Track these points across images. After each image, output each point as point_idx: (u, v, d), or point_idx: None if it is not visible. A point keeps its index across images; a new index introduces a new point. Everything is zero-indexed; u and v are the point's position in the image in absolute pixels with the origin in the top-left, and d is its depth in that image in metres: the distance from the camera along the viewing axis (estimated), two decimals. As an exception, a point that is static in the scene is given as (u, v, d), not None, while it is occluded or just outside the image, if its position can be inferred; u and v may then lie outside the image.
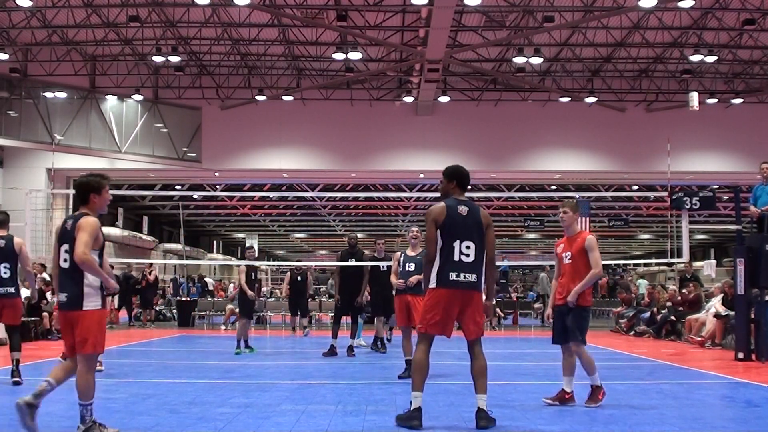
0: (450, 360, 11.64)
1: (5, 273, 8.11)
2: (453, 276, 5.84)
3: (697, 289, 16.36)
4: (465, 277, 5.86)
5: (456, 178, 6.09)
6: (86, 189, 5.45)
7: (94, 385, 5.37)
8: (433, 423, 5.96)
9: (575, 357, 6.94)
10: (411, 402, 5.78)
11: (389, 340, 13.75)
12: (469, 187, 6.20)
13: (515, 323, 21.69)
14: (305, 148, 24.96)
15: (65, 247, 5.32)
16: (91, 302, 5.31)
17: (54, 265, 5.50)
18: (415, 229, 10.12)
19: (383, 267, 12.16)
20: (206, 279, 29.30)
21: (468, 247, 5.88)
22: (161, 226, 48.35)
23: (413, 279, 9.41)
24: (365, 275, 12.21)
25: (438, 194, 6.27)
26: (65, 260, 5.32)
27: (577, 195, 22.93)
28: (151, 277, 21.54)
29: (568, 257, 6.97)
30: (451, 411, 6.57)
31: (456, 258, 5.85)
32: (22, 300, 8.64)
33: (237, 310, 16.65)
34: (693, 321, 14.94)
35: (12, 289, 8.15)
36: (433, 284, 5.90)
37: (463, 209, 5.94)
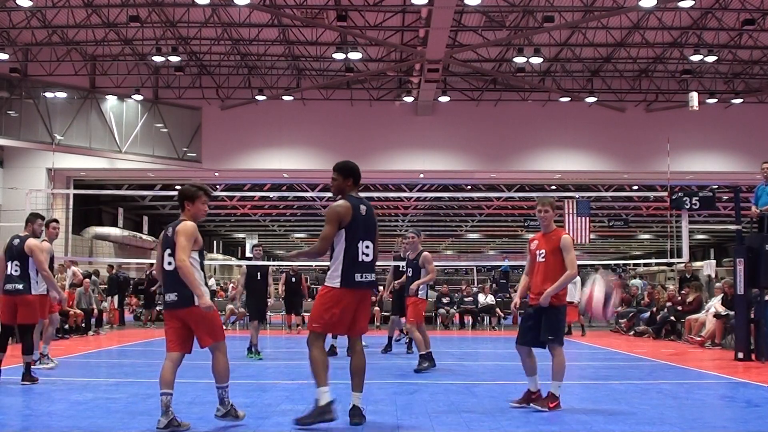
0: (450, 360, 11.65)
1: (15, 271, 8.31)
2: (358, 277, 5.84)
3: (697, 291, 16.30)
4: (366, 277, 5.89)
5: (352, 175, 6.05)
6: (181, 197, 5.92)
7: (229, 367, 5.88)
8: (433, 423, 5.97)
9: (534, 358, 6.73)
10: (317, 399, 5.73)
11: (398, 340, 13.85)
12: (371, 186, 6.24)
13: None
14: (305, 148, 24.97)
15: (168, 251, 5.80)
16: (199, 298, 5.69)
17: (158, 269, 6.03)
18: (410, 235, 10.53)
19: (402, 267, 12.41)
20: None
21: (368, 247, 5.90)
22: (161, 226, 48.25)
23: (413, 286, 10.20)
24: None
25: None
26: (169, 263, 5.78)
27: (577, 195, 22.91)
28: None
29: (542, 255, 6.71)
30: (451, 411, 6.57)
31: (360, 259, 5.85)
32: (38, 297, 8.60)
33: (243, 310, 16.67)
34: (693, 321, 14.93)
35: (20, 286, 8.27)
36: (336, 284, 5.83)
37: (363, 209, 5.93)
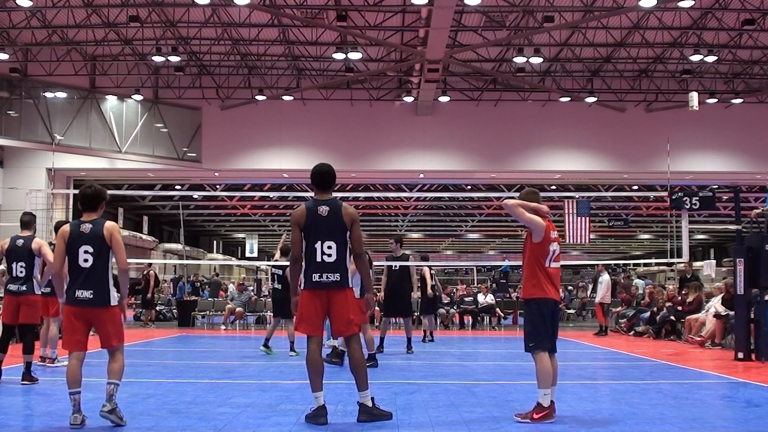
0: (450, 360, 11.67)
1: (21, 272, 8.28)
2: (316, 277, 5.95)
3: (697, 291, 16.30)
4: (327, 277, 5.95)
5: (313, 180, 6.18)
6: (102, 197, 6.02)
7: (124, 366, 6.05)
8: (433, 423, 5.97)
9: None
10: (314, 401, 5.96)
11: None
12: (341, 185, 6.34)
13: (515, 323, 21.70)
14: (305, 148, 24.93)
15: (85, 248, 5.82)
16: (114, 299, 5.93)
17: (58, 267, 5.94)
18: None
19: (395, 266, 12.64)
20: (204, 278, 29.26)
21: (330, 247, 5.95)
22: (161, 226, 48.39)
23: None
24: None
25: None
26: (85, 260, 5.81)
27: (577, 195, 22.90)
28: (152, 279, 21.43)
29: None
30: (451, 411, 6.57)
31: (318, 259, 5.95)
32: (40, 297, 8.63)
33: (242, 310, 16.62)
34: (693, 321, 14.93)
35: (24, 287, 8.26)
36: (302, 285, 6.07)
37: (323, 209, 6.00)
